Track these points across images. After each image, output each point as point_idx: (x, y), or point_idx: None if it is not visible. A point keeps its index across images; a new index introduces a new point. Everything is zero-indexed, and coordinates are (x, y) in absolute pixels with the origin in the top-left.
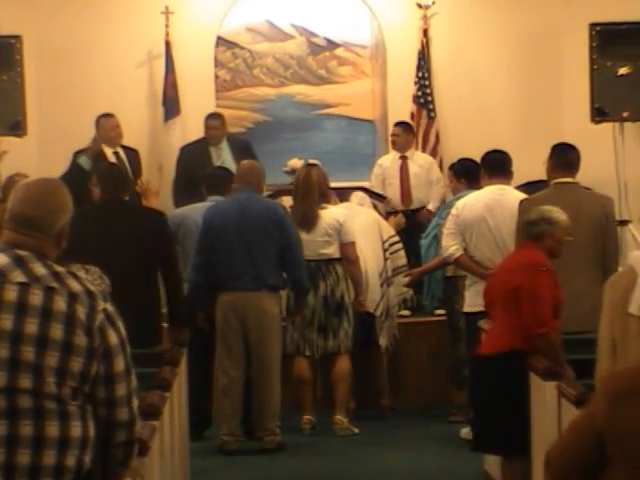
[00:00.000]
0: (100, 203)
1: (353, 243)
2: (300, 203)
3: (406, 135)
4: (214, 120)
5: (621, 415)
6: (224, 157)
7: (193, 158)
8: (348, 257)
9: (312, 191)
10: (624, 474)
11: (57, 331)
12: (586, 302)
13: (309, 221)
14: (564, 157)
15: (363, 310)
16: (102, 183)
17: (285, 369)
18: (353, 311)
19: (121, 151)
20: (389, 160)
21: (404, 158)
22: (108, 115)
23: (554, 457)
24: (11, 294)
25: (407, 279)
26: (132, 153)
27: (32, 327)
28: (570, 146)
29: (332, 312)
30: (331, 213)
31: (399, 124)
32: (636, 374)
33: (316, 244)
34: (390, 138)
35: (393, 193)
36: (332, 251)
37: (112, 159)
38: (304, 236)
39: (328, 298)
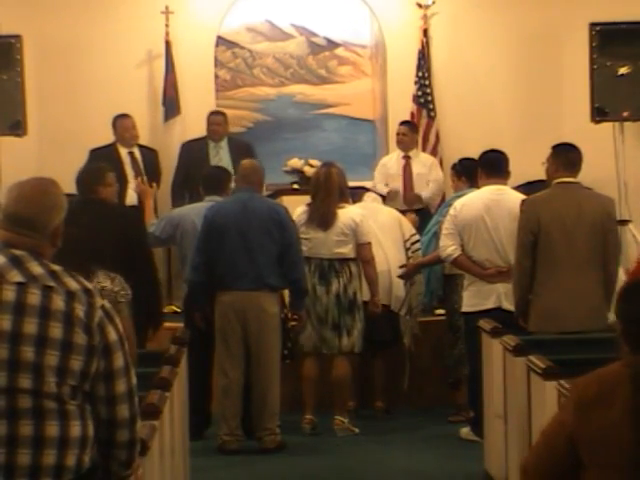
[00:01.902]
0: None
1: (369, 244)
2: (320, 203)
3: (412, 134)
4: (217, 116)
5: (588, 421)
6: (222, 155)
7: (191, 154)
8: (363, 257)
9: (333, 191)
10: (596, 477)
11: (56, 330)
12: (586, 302)
13: (326, 221)
14: (567, 157)
15: (378, 311)
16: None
17: (291, 368)
18: (377, 310)
19: (137, 151)
20: (392, 159)
21: (407, 158)
22: (124, 115)
23: (529, 465)
24: (9, 294)
25: (402, 270)
26: (150, 153)
27: (31, 327)
28: (572, 146)
29: (345, 310)
30: (348, 213)
31: (405, 123)
32: (603, 381)
33: (331, 243)
34: (395, 137)
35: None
36: (347, 251)
37: (126, 159)
38: (319, 235)
39: (341, 296)
